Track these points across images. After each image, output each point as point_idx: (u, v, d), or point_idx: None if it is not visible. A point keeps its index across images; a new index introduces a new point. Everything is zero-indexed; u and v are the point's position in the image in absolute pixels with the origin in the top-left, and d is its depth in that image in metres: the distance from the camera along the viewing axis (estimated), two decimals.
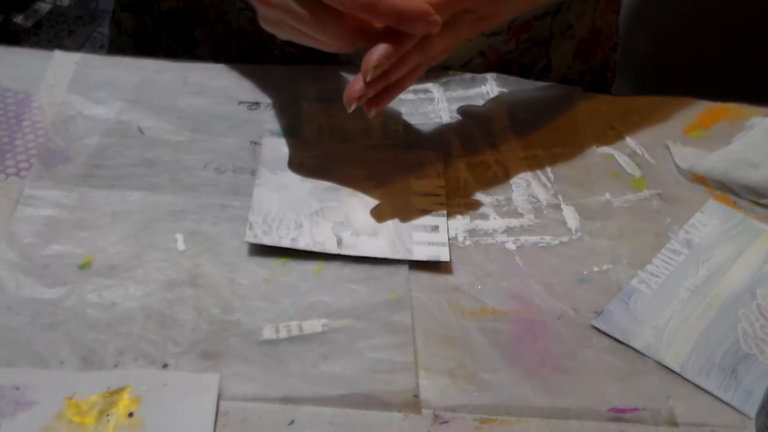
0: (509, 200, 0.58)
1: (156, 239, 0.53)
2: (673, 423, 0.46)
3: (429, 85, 0.67)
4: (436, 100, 0.66)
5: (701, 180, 0.61)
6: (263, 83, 0.65)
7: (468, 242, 0.55)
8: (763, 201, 0.60)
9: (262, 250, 0.53)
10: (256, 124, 0.62)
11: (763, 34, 1.05)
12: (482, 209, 0.57)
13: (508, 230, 0.56)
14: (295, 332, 0.49)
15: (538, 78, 0.73)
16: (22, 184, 0.55)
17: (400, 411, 0.46)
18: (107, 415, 0.43)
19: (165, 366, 0.46)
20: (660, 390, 0.48)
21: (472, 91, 0.67)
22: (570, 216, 0.57)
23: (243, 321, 0.49)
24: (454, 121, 0.64)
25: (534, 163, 0.61)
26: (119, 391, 0.44)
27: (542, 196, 0.59)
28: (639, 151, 0.63)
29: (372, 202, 0.56)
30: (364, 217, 0.55)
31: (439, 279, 0.53)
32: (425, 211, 0.56)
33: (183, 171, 0.57)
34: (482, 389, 0.47)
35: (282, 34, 0.54)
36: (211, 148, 0.59)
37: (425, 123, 0.64)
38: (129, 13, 0.79)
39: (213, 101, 0.63)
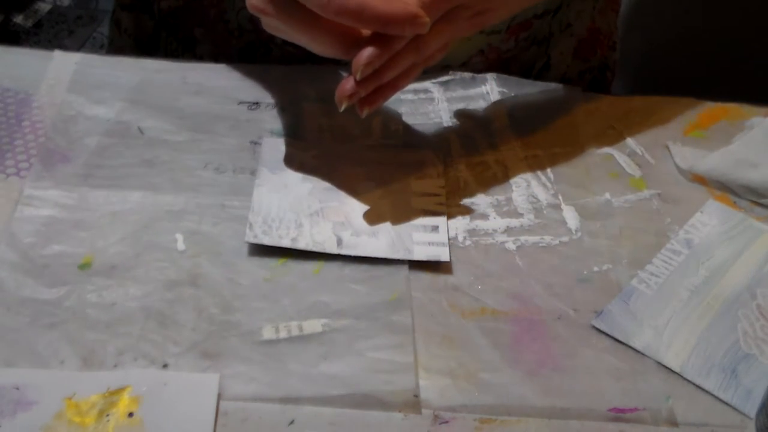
0: (509, 200, 0.58)
1: (156, 239, 0.53)
2: (673, 423, 0.46)
3: (429, 85, 0.67)
4: (436, 100, 0.66)
5: (701, 180, 0.61)
6: (263, 83, 0.65)
7: (468, 242, 0.55)
8: (763, 201, 0.60)
9: (262, 250, 0.53)
10: (256, 124, 0.62)
11: (763, 34, 1.04)
12: (482, 209, 0.57)
13: (508, 230, 0.56)
14: (295, 332, 0.49)
15: (537, 77, 0.73)
16: (22, 184, 0.55)
17: (400, 411, 0.46)
18: (107, 415, 0.43)
19: (165, 366, 0.46)
20: (660, 390, 0.48)
21: (472, 91, 0.67)
22: (570, 216, 0.57)
23: (243, 321, 0.49)
24: (454, 121, 0.64)
25: (534, 163, 0.61)
26: (119, 391, 0.44)
27: (542, 196, 0.59)
28: (639, 151, 0.63)
29: (372, 202, 0.56)
30: (364, 217, 0.55)
31: (439, 279, 0.53)
32: (425, 211, 0.56)
33: (183, 171, 0.57)
34: (482, 389, 0.47)
35: (285, 37, 0.54)
36: (211, 148, 0.59)
37: (425, 123, 0.64)
38: (128, 12, 0.79)
39: (213, 101, 0.63)
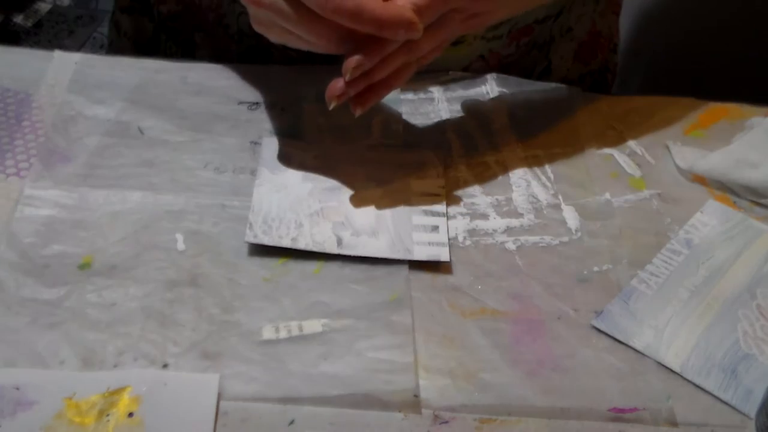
0: (509, 200, 0.58)
1: (156, 239, 0.53)
2: (673, 423, 0.46)
3: (429, 85, 0.67)
4: (436, 100, 0.66)
5: (701, 180, 0.61)
6: (263, 83, 0.65)
7: (468, 242, 0.55)
8: (763, 201, 0.60)
9: (262, 250, 0.53)
10: (256, 124, 0.62)
11: (763, 34, 1.04)
12: (482, 209, 0.57)
13: (508, 230, 0.56)
14: (295, 332, 0.49)
15: (537, 80, 0.73)
16: (22, 184, 0.55)
17: (400, 411, 0.46)
18: (107, 415, 0.43)
19: (165, 366, 0.46)
20: (660, 390, 0.48)
21: (472, 92, 0.67)
22: (570, 216, 0.57)
23: (243, 321, 0.49)
24: (454, 121, 0.64)
25: (534, 163, 0.61)
26: (119, 391, 0.44)
27: (542, 196, 0.59)
28: (639, 151, 0.63)
29: (372, 202, 0.56)
30: (364, 217, 0.55)
31: (439, 279, 0.53)
32: (425, 212, 0.56)
33: (183, 171, 0.57)
34: (482, 389, 0.47)
35: (272, 36, 0.54)
36: (211, 148, 0.59)
37: (425, 123, 0.64)
38: (128, 15, 0.79)
39: (213, 101, 0.63)
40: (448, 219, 0.56)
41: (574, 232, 0.56)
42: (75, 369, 0.46)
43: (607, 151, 0.63)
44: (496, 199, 0.58)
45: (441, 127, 0.63)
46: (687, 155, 0.62)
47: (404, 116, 0.64)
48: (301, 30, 0.51)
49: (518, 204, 0.58)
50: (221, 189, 0.56)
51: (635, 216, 0.58)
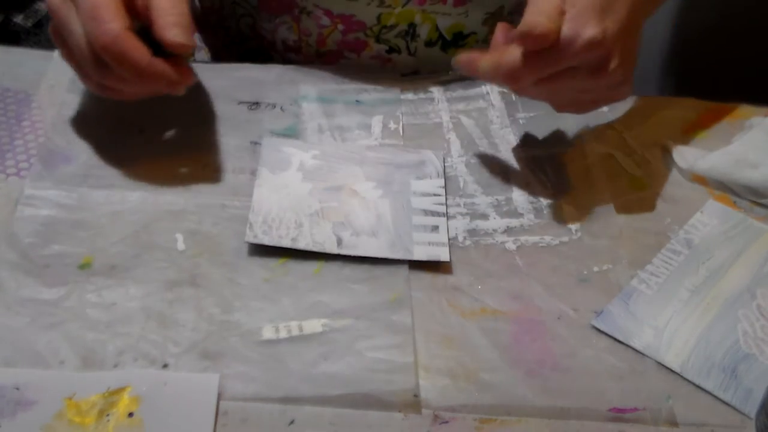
0: (509, 200, 0.58)
1: (156, 239, 0.53)
2: (673, 423, 0.46)
3: (429, 85, 0.67)
4: (436, 100, 0.66)
5: (701, 180, 0.61)
6: (263, 83, 0.65)
7: (468, 242, 0.55)
8: (763, 201, 0.60)
9: (262, 250, 0.53)
10: (256, 124, 0.62)
11: (763, 34, 1.04)
12: (482, 209, 0.57)
13: (508, 230, 0.56)
14: (295, 332, 0.49)
15: None
16: (22, 184, 0.55)
17: (400, 411, 0.46)
18: (107, 415, 0.43)
19: (165, 366, 0.46)
20: (660, 390, 0.48)
21: (472, 91, 0.67)
22: (570, 216, 0.57)
23: (243, 321, 0.49)
24: (454, 121, 0.64)
25: (534, 163, 0.61)
26: (119, 391, 0.44)
27: (542, 196, 0.59)
28: (639, 151, 0.63)
29: (372, 202, 0.56)
30: (364, 217, 0.55)
31: (439, 279, 0.53)
32: (425, 211, 0.56)
33: (183, 171, 0.57)
34: (482, 389, 0.47)
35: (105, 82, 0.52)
36: (211, 148, 0.59)
37: (425, 123, 0.64)
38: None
39: (213, 101, 0.63)
40: (448, 219, 0.56)
41: (574, 232, 0.56)
42: (75, 369, 0.46)
43: (607, 151, 0.63)
44: (496, 199, 0.58)
45: (441, 127, 0.63)
46: (687, 155, 0.62)
47: (404, 116, 0.64)
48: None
49: (518, 204, 0.58)
50: (221, 189, 0.56)
51: (635, 216, 0.58)
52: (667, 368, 0.49)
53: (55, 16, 0.50)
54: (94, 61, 0.49)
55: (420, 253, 0.53)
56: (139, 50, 0.48)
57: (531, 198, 0.58)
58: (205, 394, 0.45)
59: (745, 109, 0.67)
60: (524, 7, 0.67)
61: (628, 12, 0.50)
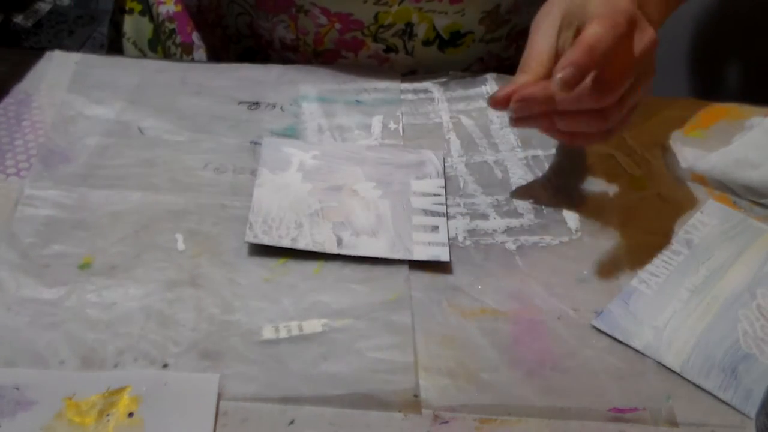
0: (509, 200, 0.58)
1: (156, 239, 0.53)
2: (673, 423, 0.46)
3: (429, 85, 0.67)
4: (436, 100, 0.66)
5: (701, 180, 0.61)
6: (263, 83, 0.65)
7: (468, 242, 0.55)
8: (763, 201, 0.60)
9: (262, 250, 0.53)
10: (256, 124, 0.62)
11: (762, 35, 1.04)
12: (482, 209, 0.57)
13: (508, 230, 0.56)
14: (295, 332, 0.49)
15: None
16: (22, 184, 0.55)
17: (400, 411, 0.46)
18: (107, 415, 0.43)
19: (165, 366, 0.46)
20: (660, 390, 0.48)
21: (472, 91, 0.67)
22: (570, 216, 0.57)
23: (243, 321, 0.49)
24: (454, 121, 0.64)
25: (534, 163, 0.61)
26: (119, 391, 0.44)
27: (542, 196, 0.59)
28: (639, 151, 0.63)
29: (372, 202, 0.56)
30: (364, 217, 0.55)
31: (439, 279, 0.53)
32: (425, 211, 0.56)
33: (183, 171, 0.57)
34: (482, 389, 0.47)
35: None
36: (211, 148, 0.59)
37: (425, 123, 0.64)
38: (127, 15, 0.79)
39: (213, 101, 0.63)
40: (448, 219, 0.56)
41: (574, 232, 0.56)
42: (75, 369, 0.46)
43: (607, 150, 0.63)
44: (496, 199, 0.58)
45: (441, 127, 0.63)
46: (687, 155, 0.62)
47: (404, 116, 0.64)
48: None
49: (518, 204, 0.58)
50: (221, 189, 0.56)
51: (635, 216, 0.58)
52: (667, 368, 0.49)
53: None
54: None
55: (420, 253, 0.53)
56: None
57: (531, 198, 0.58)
58: (205, 394, 0.45)
59: (745, 109, 0.67)
60: (521, 5, 0.67)
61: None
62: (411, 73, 0.68)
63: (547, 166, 0.61)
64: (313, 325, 0.49)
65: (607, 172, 0.61)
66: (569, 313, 0.51)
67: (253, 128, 0.61)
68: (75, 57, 0.65)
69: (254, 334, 0.48)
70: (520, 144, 0.62)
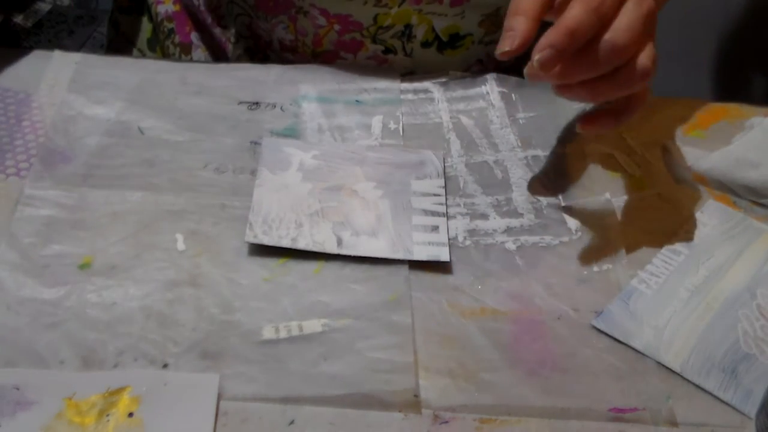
0: (509, 200, 0.58)
1: (156, 239, 0.53)
2: (673, 423, 0.46)
3: (429, 85, 0.67)
4: (436, 100, 0.66)
5: (701, 180, 0.61)
6: (263, 83, 0.65)
7: (468, 242, 0.55)
8: (763, 201, 0.60)
9: (262, 250, 0.53)
10: (256, 124, 0.62)
11: (762, 34, 1.05)
12: (482, 209, 0.57)
13: (508, 230, 0.56)
14: (295, 332, 0.49)
15: None
16: (22, 184, 0.55)
17: (400, 411, 0.46)
18: (107, 416, 0.43)
19: (165, 366, 0.46)
20: (660, 390, 0.48)
21: (472, 91, 0.67)
22: (570, 216, 0.57)
23: (243, 321, 0.49)
24: (454, 121, 0.64)
25: (534, 163, 0.61)
26: (119, 391, 0.44)
27: (542, 196, 0.59)
28: (639, 151, 0.63)
29: (372, 202, 0.56)
30: (364, 217, 0.55)
31: (439, 279, 0.53)
32: (425, 211, 0.56)
33: (183, 171, 0.57)
34: (482, 389, 0.47)
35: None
36: (211, 148, 0.59)
37: (425, 123, 0.64)
38: (126, 15, 0.79)
39: (213, 101, 0.63)
40: (448, 219, 0.56)
41: (574, 232, 0.56)
42: (75, 369, 0.46)
43: (607, 150, 0.63)
44: (496, 199, 0.58)
45: (441, 127, 0.63)
46: (687, 155, 0.62)
47: (404, 116, 0.64)
48: None
49: (518, 204, 0.58)
50: (221, 189, 0.56)
51: (635, 216, 0.58)
52: (667, 368, 0.49)
53: None
54: None
55: (420, 253, 0.53)
56: None
57: (531, 198, 0.58)
58: (205, 394, 0.45)
59: (745, 109, 0.67)
60: None
61: None
62: (409, 74, 0.68)
63: (547, 165, 0.61)
64: (313, 325, 0.49)
65: (607, 172, 0.61)
66: (569, 313, 0.51)
67: (253, 128, 0.61)
68: (75, 57, 0.65)
69: (254, 334, 0.48)
70: (520, 144, 0.62)
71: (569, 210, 0.58)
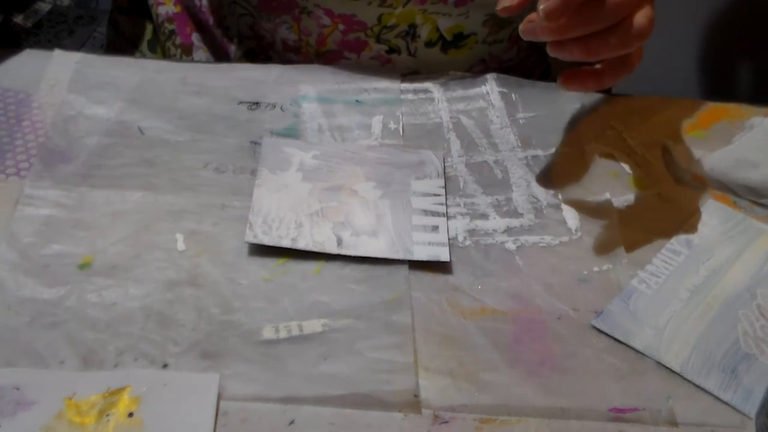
0: (509, 200, 0.58)
1: (156, 239, 0.53)
2: (673, 423, 0.46)
3: (429, 85, 0.67)
4: (436, 100, 0.66)
5: (701, 180, 0.61)
6: (263, 83, 0.65)
7: (468, 242, 0.55)
8: (763, 201, 0.60)
9: (262, 250, 0.53)
10: (256, 124, 0.62)
11: (762, 35, 1.05)
12: (482, 209, 0.57)
13: (508, 230, 0.56)
14: (295, 332, 0.49)
15: None
16: (22, 184, 0.55)
17: (400, 411, 0.46)
18: (107, 416, 0.43)
19: (165, 366, 0.46)
20: (660, 390, 0.48)
21: (472, 91, 0.67)
22: (570, 216, 0.57)
23: (243, 321, 0.49)
24: (454, 121, 0.64)
25: (534, 163, 0.61)
26: (119, 391, 0.44)
27: (542, 196, 0.59)
28: (639, 151, 0.63)
29: (372, 202, 0.56)
30: (364, 217, 0.55)
31: (439, 279, 0.53)
32: (425, 211, 0.56)
33: (183, 171, 0.57)
34: (482, 389, 0.47)
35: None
36: (211, 148, 0.59)
37: (425, 123, 0.64)
38: (126, 15, 0.79)
39: (213, 101, 0.63)
40: (448, 219, 0.56)
41: (574, 232, 0.56)
42: (75, 369, 0.46)
43: (607, 150, 0.63)
44: (496, 199, 0.58)
45: (441, 127, 0.63)
46: (687, 155, 0.62)
47: (404, 116, 0.64)
48: None
49: (518, 204, 0.58)
50: (221, 189, 0.56)
51: (635, 216, 0.58)
52: (667, 368, 0.49)
53: None
54: None
55: (420, 253, 0.53)
56: None
57: (531, 198, 0.58)
58: (205, 394, 0.45)
59: (745, 109, 0.67)
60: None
61: None
62: (412, 74, 0.68)
63: (547, 166, 0.61)
64: (312, 325, 0.49)
65: (607, 171, 0.61)
66: (569, 313, 0.51)
67: (253, 128, 0.61)
68: (75, 57, 0.65)
69: (254, 334, 0.48)
70: (520, 144, 0.62)
71: (569, 210, 0.58)
